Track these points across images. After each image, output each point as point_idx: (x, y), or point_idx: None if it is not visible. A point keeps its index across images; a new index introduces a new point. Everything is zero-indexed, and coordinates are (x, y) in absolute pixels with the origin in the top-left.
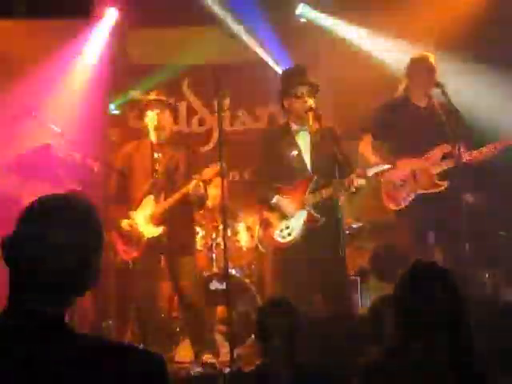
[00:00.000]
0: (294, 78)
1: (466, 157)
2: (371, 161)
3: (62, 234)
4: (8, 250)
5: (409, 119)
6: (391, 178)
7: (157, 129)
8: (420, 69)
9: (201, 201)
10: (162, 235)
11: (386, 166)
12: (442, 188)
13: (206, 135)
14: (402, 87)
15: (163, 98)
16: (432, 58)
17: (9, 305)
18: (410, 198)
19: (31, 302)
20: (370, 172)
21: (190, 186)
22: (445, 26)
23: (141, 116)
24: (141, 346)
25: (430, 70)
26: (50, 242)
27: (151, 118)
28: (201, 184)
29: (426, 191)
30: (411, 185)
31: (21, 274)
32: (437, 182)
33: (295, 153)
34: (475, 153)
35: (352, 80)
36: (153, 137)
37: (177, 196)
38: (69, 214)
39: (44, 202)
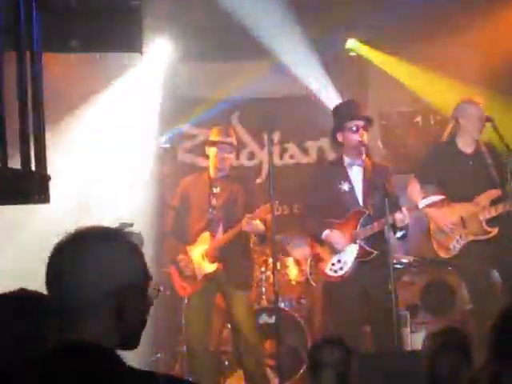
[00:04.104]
0: (348, 111)
1: None
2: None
3: (99, 267)
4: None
5: (455, 166)
6: (440, 224)
7: (219, 168)
8: (469, 114)
9: (261, 237)
10: (217, 271)
11: (439, 197)
12: (493, 234)
13: (255, 169)
14: (448, 130)
15: (230, 140)
16: (482, 103)
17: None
18: (461, 245)
19: (77, 331)
20: (422, 204)
21: (242, 224)
22: (495, 66)
23: (203, 152)
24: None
25: (480, 116)
26: (87, 273)
27: (214, 156)
28: (257, 222)
29: (476, 238)
30: (461, 231)
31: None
32: (486, 228)
33: (347, 187)
34: None
35: (400, 115)
36: (213, 173)
37: (230, 234)
38: (107, 248)
39: (84, 233)
